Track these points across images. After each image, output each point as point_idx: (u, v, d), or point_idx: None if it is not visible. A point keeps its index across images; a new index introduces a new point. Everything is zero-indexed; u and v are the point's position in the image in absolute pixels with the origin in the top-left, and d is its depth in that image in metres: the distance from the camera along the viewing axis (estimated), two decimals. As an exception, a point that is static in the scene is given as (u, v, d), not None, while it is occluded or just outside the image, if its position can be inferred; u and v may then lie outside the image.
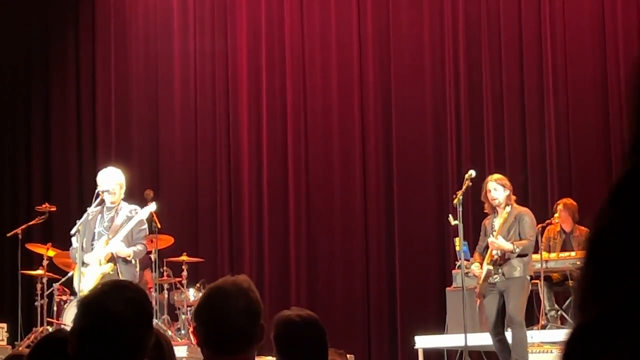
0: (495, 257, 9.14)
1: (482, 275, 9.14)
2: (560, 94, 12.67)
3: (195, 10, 14.11)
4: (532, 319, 11.29)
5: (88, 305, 2.81)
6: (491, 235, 9.19)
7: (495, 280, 9.12)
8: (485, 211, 9.41)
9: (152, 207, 9.44)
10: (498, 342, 9.15)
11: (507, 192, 9.19)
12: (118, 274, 9.13)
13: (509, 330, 9.24)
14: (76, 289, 9.34)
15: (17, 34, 14.38)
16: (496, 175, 9.38)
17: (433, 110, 13.21)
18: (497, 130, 12.86)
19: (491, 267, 9.11)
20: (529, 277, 9.38)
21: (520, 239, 9.17)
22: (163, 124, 14.02)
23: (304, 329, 4.06)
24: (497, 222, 9.22)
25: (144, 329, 2.82)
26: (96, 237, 9.30)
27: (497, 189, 9.16)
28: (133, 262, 9.37)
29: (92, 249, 9.28)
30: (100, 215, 9.38)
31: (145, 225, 9.47)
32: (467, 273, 10.00)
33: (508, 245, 9.06)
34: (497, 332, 9.18)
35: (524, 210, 9.37)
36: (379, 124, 13.39)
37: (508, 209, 9.19)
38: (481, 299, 9.32)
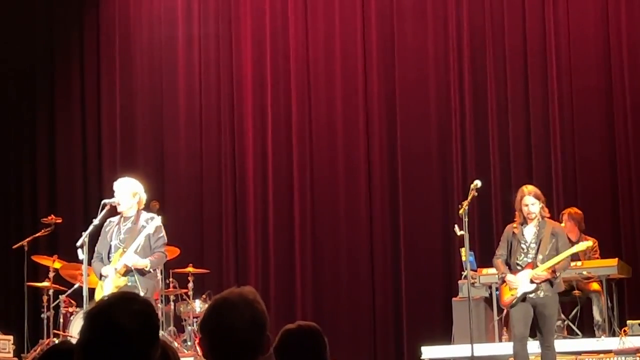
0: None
1: (521, 291, 9.05)
2: (564, 103, 12.66)
3: (199, 21, 14.13)
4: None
5: (94, 317, 2.81)
6: (526, 250, 9.13)
7: (531, 295, 9.08)
8: (515, 220, 9.30)
9: (157, 221, 9.29)
10: (522, 349, 9.10)
11: (541, 205, 9.20)
12: (137, 285, 9.00)
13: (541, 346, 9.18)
14: (85, 301, 9.28)
15: (22, 47, 14.40)
16: (531, 188, 9.30)
17: (438, 120, 13.20)
18: (502, 139, 12.85)
19: (534, 286, 9.05)
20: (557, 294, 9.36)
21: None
22: (168, 134, 14.03)
23: (302, 339, 4.07)
24: (529, 232, 9.18)
25: (150, 341, 2.81)
26: (112, 250, 9.19)
27: (534, 203, 9.14)
28: (152, 272, 9.20)
29: (110, 262, 9.18)
30: (117, 227, 9.26)
31: (163, 234, 9.29)
32: (473, 283, 9.98)
33: (549, 274, 9.05)
34: (524, 339, 9.12)
35: (558, 226, 9.41)
36: (384, 134, 13.38)
37: (540, 220, 9.17)
38: (509, 309, 9.25)
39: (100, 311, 2.80)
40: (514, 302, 9.08)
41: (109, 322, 2.76)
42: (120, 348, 2.74)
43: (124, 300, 2.84)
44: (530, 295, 9.06)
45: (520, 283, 9.06)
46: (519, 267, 9.16)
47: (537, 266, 9.09)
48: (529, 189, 9.27)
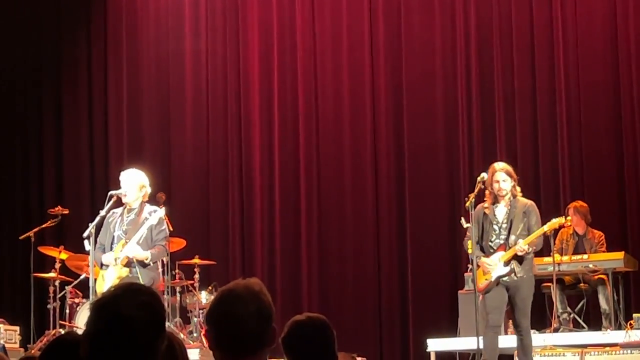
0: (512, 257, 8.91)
1: (495, 275, 8.88)
2: (572, 97, 12.64)
3: (206, 13, 14.12)
4: (544, 322, 11.28)
5: (100, 308, 2.81)
6: (498, 231, 8.94)
7: (505, 279, 8.92)
8: (485, 199, 9.10)
9: (161, 212, 9.33)
10: (493, 338, 8.91)
11: (513, 182, 8.99)
12: (138, 277, 9.06)
13: (516, 334, 9.09)
14: (91, 292, 9.30)
15: (29, 38, 14.42)
16: (502, 165, 9.10)
17: (444, 113, 13.19)
18: (509, 133, 12.84)
19: (508, 268, 8.88)
20: (533, 276, 9.23)
21: (529, 235, 8.92)
22: (175, 126, 14.04)
23: (311, 330, 4.06)
24: (500, 212, 8.98)
25: (156, 332, 2.81)
26: (115, 241, 9.23)
27: (505, 180, 8.92)
28: (151, 264, 9.25)
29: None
30: (120, 218, 9.30)
31: (165, 227, 9.36)
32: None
33: (526, 247, 8.87)
34: (497, 329, 8.97)
35: (530, 203, 9.10)
36: (391, 126, 13.37)
37: (512, 199, 8.97)
38: (484, 295, 9.01)
39: (106, 302, 2.80)
40: (489, 287, 8.89)
41: (115, 313, 2.76)
42: (127, 339, 2.75)
43: (130, 291, 2.84)
44: (504, 279, 8.87)
45: (494, 266, 8.87)
46: (492, 250, 8.97)
47: (509, 247, 8.87)
48: (500, 165, 9.06)
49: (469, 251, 9.50)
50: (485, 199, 9.12)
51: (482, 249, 9.09)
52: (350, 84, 13.58)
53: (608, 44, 12.68)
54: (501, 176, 8.96)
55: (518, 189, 9.07)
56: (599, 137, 12.56)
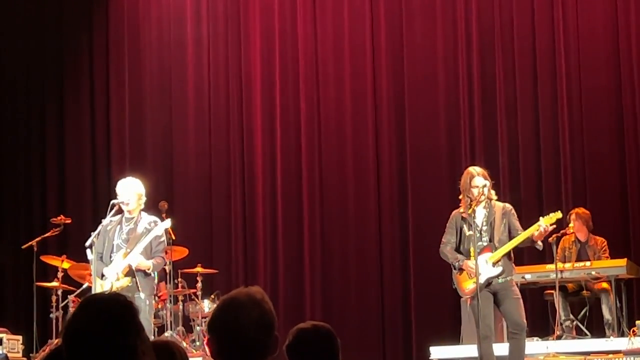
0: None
1: (485, 277, 8.67)
2: (574, 102, 12.64)
3: (208, 21, 14.14)
4: (547, 330, 11.27)
5: (64, 334, 2.79)
6: (479, 234, 8.77)
7: (492, 281, 8.77)
8: (460, 204, 8.95)
9: (167, 223, 9.37)
10: (488, 348, 8.73)
11: (489, 186, 8.86)
12: (137, 286, 9.09)
13: (511, 335, 8.94)
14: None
15: (32, 46, 14.44)
16: (479, 169, 8.92)
17: (446, 118, 13.19)
18: (511, 138, 12.84)
19: (500, 269, 8.72)
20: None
21: (510, 235, 8.81)
22: (177, 134, 14.04)
23: (316, 339, 4.04)
24: (479, 216, 8.83)
25: (122, 336, 2.73)
26: (114, 250, 9.24)
27: (485, 185, 8.76)
28: (152, 274, 9.29)
29: (111, 262, 9.23)
30: (119, 226, 9.31)
31: (164, 238, 9.40)
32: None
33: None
34: (492, 337, 8.81)
35: (508, 205, 8.96)
36: (393, 133, 13.37)
37: (488, 202, 8.83)
38: (472, 301, 8.81)
39: (67, 327, 2.78)
40: (476, 291, 8.62)
41: (76, 335, 2.72)
42: (96, 356, 2.71)
43: (86, 307, 2.78)
44: (492, 281, 8.70)
45: (482, 268, 8.67)
46: (477, 253, 8.70)
47: (495, 248, 8.70)
48: (477, 170, 8.88)
49: (472, 258, 9.29)
50: (460, 204, 8.98)
51: (460, 254, 8.92)
52: (352, 90, 13.58)
53: (610, 48, 12.68)
54: (481, 181, 8.80)
55: (493, 192, 8.94)
56: (601, 142, 12.56)
